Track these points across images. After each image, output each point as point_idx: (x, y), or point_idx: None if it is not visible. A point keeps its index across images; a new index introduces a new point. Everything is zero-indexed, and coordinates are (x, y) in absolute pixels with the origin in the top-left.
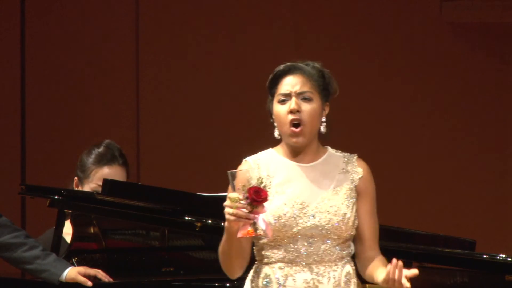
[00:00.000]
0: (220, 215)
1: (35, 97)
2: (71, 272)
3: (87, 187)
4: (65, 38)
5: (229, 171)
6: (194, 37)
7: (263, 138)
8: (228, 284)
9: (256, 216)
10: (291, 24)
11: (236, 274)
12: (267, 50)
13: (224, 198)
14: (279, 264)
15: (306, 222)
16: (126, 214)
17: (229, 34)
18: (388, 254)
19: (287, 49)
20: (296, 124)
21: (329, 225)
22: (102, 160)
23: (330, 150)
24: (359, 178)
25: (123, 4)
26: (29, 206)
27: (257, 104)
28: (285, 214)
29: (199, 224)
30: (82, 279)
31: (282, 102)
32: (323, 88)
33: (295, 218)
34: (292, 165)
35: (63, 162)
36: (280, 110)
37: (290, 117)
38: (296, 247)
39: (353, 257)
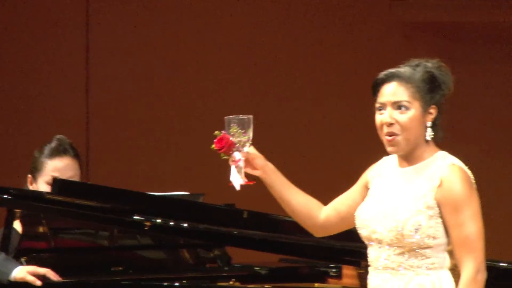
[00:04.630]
0: (169, 214)
1: None
2: (20, 272)
3: (42, 182)
4: (15, 31)
5: (226, 117)
6: (144, 33)
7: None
8: (177, 284)
9: (233, 163)
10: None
11: (309, 228)
12: (216, 45)
13: (173, 198)
14: None
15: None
16: (76, 214)
17: (171, 29)
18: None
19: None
20: (390, 133)
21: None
22: (54, 153)
23: (439, 155)
24: (437, 186)
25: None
26: None
27: (204, 103)
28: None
29: (148, 224)
30: (31, 279)
31: (379, 110)
32: (428, 91)
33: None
34: (395, 168)
35: (14, 160)
36: (377, 119)
37: (385, 129)
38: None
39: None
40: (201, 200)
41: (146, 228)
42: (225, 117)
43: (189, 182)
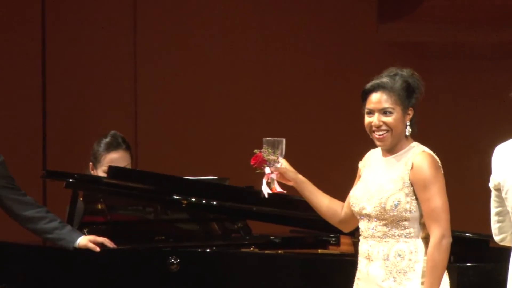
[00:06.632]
0: (201, 194)
1: (54, 96)
2: (83, 240)
3: (100, 170)
4: (71, 39)
5: (263, 139)
6: (193, 27)
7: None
8: (208, 250)
9: (265, 177)
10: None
11: (337, 225)
12: (264, 47)
13: (204, 181)
14: None
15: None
16: (127, 194)
17: (228, 27)
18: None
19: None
20: (380, 133)
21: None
22: (109, 147)
23: (413, 146)
24: (410, 169)
25: None
26: (49, 188)
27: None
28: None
29: (185, 202)
30: (92, 246)
31: (368, 114)
32: (406, 97)
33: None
34: (379, 158)
35: (78, 149)
36: (366, 121)
37: (374, 129)
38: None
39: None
40: (227, 183)
41: (183, 205)
42: (263, 139)
43: (218, 168)
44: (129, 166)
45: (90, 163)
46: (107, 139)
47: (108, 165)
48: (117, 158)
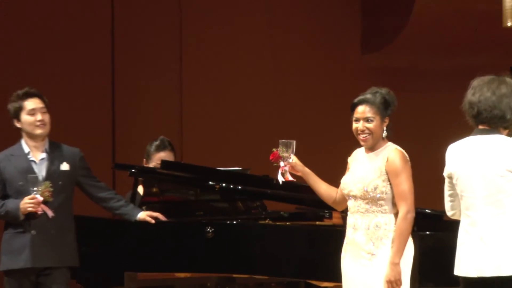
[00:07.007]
0: (230, 180)
1: (122, 97)
2: (142, 214)
3: (151, 165)
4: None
5: (280, 140)
6: (236, 22)
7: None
8: (234, 222)
9: (280, 168)
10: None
11: (332, 204)
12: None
13: (232, 171)
14: None
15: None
16: (174, 181)
17: (271, 23)
18: None
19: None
20: (364, 136)
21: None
22: (158, 149)
23: (388, 145)
24: (385, 162)
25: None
26: (117, 176)
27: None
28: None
29: (217, 186)
30: (148, 219)
31: (355, 121)
32: (384, 109)
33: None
34: (363, 154)
35: (131, 148)
36: (354, 126)
37: (359, 133)
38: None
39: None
40: (248, 172)
41: (216, 189)
42: (279, 140)
43: (242, 160)
44: None
45: (144, 159)
46: (157, 142)
47: (160, 160)
48: (164, 156)
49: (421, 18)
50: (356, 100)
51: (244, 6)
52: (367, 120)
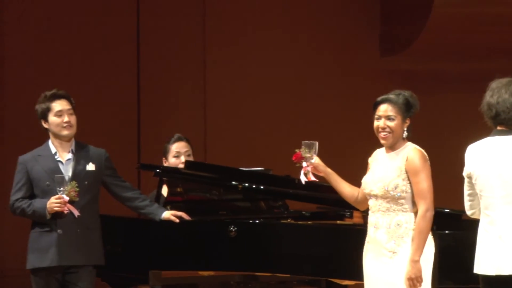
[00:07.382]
0: (252, 180)
1: (147, 100)
2: (166, 214)
3: (170, 157)
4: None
5: (302, 141)
6: (259, 26)
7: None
8: (257, 221)
9: (302, 169)
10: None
11: (354, 204)
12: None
13: (254, 171)
14: None
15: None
16: (198, 181)
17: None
18: None
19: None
20: (384, 134)
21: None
22: (174, 140)
23: (407, 145)
24: (405, 161)
25: (192, 6)
26: (142, 176)
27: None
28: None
29: (240, 186)
30: (173, 218)
31: (377, 119)
32: (406, 110)
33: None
34: (383, 154)
35: (152, 148)
36: (375, 124)
37: (380, 131)
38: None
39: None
40: (270, 172)
41: (239, 189)
42: (302, 141)
43: (265, 162)
44: (189, 153)
45: (163, 158)
46: (173, 137)
47: (185, 160)
48: (180, 146)
49: (438, 22)
50: (379, 98)
51: (266, 17)
52: (388, 118)
